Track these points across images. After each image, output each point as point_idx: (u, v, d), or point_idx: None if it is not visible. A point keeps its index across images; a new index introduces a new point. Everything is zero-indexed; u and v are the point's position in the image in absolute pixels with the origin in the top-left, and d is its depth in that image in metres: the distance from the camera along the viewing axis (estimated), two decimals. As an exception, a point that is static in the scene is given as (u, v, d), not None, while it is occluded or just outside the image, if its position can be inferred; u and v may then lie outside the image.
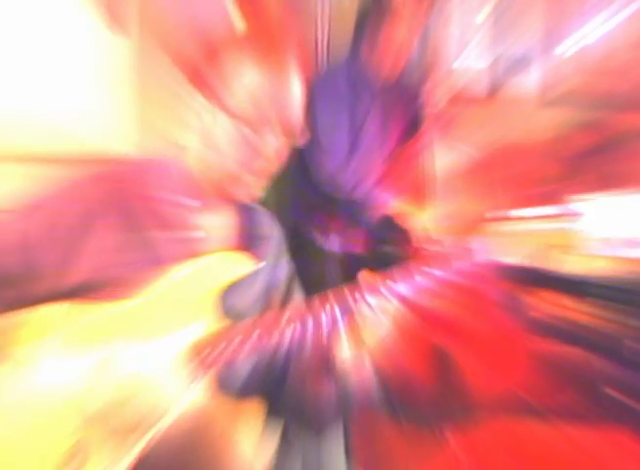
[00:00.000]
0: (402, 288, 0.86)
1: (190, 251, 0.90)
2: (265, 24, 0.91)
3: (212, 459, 0.84)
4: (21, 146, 1.33)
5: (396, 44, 1.40)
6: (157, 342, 0.83)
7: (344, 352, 0.92)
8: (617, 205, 1.02)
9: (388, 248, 1.27)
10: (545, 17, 1.33)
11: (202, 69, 0.86)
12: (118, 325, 0.83)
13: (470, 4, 1.48)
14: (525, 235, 0.84)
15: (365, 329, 0.87)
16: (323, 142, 1.35)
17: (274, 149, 0.87)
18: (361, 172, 1.36)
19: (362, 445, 1.01)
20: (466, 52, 1.39)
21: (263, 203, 1.01)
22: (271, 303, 0.97)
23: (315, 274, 1.07)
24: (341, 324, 0.85)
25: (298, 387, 0.93)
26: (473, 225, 1.08)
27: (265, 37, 0.88)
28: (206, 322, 0.86)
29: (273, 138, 0.86)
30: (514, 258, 0.82)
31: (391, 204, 1.33)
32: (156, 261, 0.87)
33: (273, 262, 0.99)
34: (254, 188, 0.91)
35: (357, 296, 0.85)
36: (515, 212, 0.91)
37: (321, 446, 0.97)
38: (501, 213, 0.94)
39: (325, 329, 0.84)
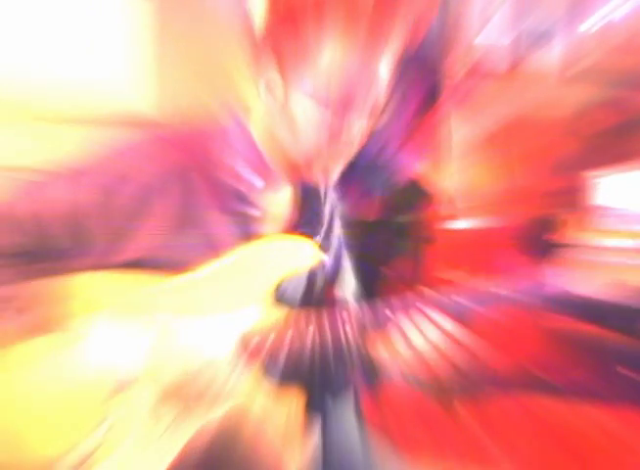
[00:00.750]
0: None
1: (249, 232, 0.85)
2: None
3: (254, 451, 0.83)
4: (49, 106, 1.31)
5: (415, 16, 1.38)
6: (208, 321, 0.81)
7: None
8: (635, 180, 1.03)
9: (403, 217, 1.28)
10: (569, -8, 1.31)
11: (277, 37, 0.79)
12: (170, 300, 0.81)
13: (492, -23, 1.46)
14: (600, 267, 0.81)
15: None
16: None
17: (356, 132, 0.81)
18: (381, 140, 1.35)
19: (374, 410, 1.03)
20: (487, 27, 1.38)
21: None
22: (315, 288, 0.94)
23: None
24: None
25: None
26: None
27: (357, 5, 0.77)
28: (260, 308, 0.83)
29: (356, 121, 0.80)
30: (586, 289, 0.80)
31: (412, 169, 1.32)
32: (213, 242, 0.83)
33: (326, 248, 0.95)
34: (331, 172, 0.86)
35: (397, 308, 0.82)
36: (593, 241, 0.88)
37: (337, 407, 0.99)
38: (578, 240, 0.91)
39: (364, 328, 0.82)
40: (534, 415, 1.06)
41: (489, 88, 1.29)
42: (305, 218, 0.93)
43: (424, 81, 1.41)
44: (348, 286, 1.01)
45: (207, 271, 0.82)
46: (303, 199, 0.93)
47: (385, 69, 0.80)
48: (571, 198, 1.09)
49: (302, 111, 0.78)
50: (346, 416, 0.99)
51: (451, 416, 1.12)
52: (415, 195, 1.30)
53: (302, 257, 0.85)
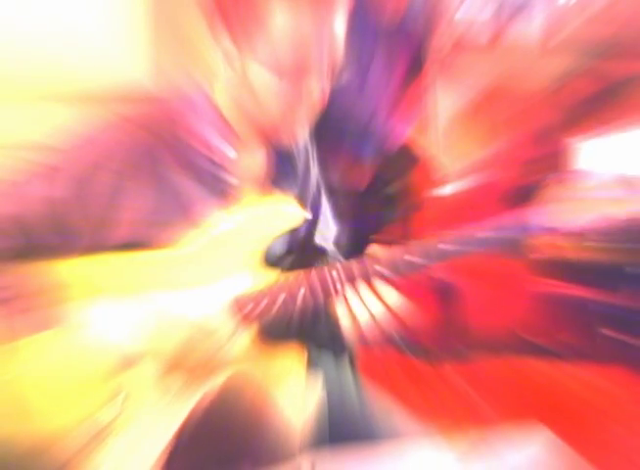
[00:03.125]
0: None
1: (227, 198, 0.87)
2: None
3: (259, 415, 0.86)
4: (36, 85, 1.28)
5: None
6: (202, 292, 0.83)
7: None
8: (615, 146, 1.07)
9: (392, 185, 1.30)
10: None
11: (225, 4, 0.79)
12: (163, 276, 0.83)
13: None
14: (582, 202, 0.83)
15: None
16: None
17: (316, 94, 0.82)
18: (369, 109, 1.36)
19: (368, 371, 1.06)
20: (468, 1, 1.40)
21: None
22: (297, 246, 0.96)
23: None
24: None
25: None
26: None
27: None
28: (251, 273, 0.85)
29: (314, 83, 0.81)
30: (568, 224, 0.82)
31: (400, 137, 1.34)
32: (193, 213, 0.85)
33: (303, 201, 0.97)
34: (298, 134, 0.89)
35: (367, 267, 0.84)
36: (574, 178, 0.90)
37: (338, 366, 1.01)
38: (560, 177, 0.93)
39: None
40: (522, 375, 1.10)
41: (473, 60, 1.32)
42: (281, 176, 0.94)
43: (408, 53, 1.43)
44: (328, 234, 1.04)
45: (197, 243, 0.84)
46: (277, 159, 0.94)
47: (339, 26, 0.80)
48: (552, 163, 1.13)
49: (261, 81, 0.79)
50: (343, 372, 1.02)
51: (441, 377, 1.15)
52: (403, 162, 1.32)
53: (287, 219, 0.87)
